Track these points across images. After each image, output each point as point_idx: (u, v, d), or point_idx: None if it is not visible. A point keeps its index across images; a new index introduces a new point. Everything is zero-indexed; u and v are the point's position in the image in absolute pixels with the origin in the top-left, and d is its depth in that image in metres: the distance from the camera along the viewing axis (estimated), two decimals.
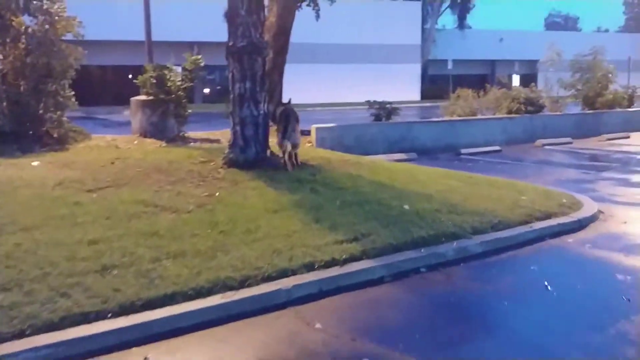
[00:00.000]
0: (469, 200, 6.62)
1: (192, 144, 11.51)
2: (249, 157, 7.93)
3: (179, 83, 11.65)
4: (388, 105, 13.77)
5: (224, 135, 13.53)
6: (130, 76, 11.93)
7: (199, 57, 11.91)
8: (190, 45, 26.30)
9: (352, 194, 6.51)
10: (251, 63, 7.92)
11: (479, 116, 16.37)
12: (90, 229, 4.97)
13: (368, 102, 13.99)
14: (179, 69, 12.22)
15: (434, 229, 5.48)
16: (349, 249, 4.88)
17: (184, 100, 11.76)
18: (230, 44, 7.97)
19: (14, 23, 9.54)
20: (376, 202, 6.19)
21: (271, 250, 4.71)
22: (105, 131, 15.51)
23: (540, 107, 16.98)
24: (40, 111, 10.12)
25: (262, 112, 8.09)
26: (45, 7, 9.71)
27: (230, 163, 7.87)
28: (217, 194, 6.39)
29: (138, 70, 12.24)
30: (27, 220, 5.10)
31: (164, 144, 11.00)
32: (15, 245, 4.56)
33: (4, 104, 9.71)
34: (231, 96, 8.14)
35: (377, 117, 13.74)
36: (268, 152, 8.27)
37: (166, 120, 11.88)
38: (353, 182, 7.14)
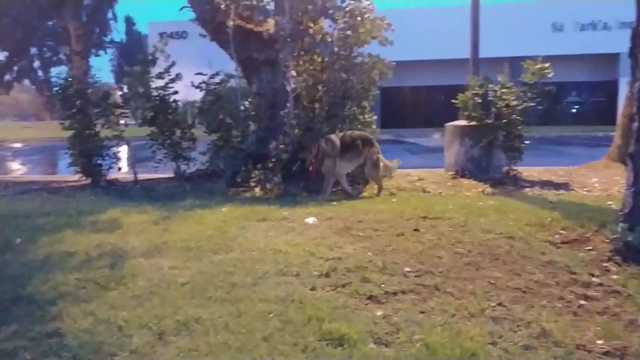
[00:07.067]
0: None
1: (528, 189, 7.97)
2: None
3: (513, 103, 8.23)
4: None
5: (571, 174, 9.49)
6: (443, 97, 9.13)
7: (546, 65, 8.22)
8: (510, 62, 22.35)
9: None
10: None
11: None
12: None
13: None
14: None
15: None
16: None
17: (519, 127, 8.28)
18: None
19: (311, 30, 7.56)
20: None
21: None
22: (411, 160, 13.15)
23: None
24: None
25: None
26: (347, 6, 7.40)
27: (629, 252, 4.07)
28: None
29: (452, 90, 9.40)
30: None
31: (488, 188, 7.78)
32: None
33: (295, 131, 7.87)
34: (635, 124, 4.32)
35: None
36: None
37: (492, 153, 8.65)
38: None
